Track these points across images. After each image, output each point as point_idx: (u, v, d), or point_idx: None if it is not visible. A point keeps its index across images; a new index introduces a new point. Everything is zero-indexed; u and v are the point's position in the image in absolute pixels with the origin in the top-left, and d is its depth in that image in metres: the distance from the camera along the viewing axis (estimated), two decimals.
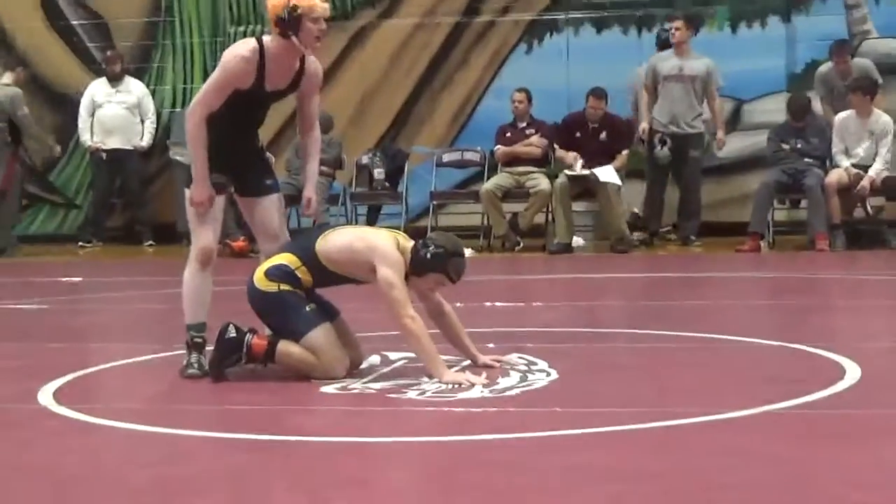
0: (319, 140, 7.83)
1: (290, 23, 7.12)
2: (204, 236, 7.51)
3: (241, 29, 17.66)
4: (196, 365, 7.54)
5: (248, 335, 7.46)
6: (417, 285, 7.33)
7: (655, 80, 15.52)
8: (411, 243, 7.30)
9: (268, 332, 7.55)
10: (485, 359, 7.55)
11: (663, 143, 15.38)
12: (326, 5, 7.27)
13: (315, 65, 7.53)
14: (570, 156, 15.34)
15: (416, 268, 7.22)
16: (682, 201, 15.66)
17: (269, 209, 7.66)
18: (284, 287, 7.35)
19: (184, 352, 7.76)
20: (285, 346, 7.35)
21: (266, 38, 7.32)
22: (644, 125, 15.47)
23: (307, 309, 7.36)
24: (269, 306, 7.46)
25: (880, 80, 15.40)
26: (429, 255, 7.17)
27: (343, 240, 7.34)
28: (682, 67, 15.46)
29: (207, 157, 7.28)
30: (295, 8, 7.08)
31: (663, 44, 15.97)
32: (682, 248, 15.31)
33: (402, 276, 7.20)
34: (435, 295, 7.46)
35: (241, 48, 7.29)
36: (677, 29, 15.56)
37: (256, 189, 7.64)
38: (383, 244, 7.25)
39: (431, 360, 7.16)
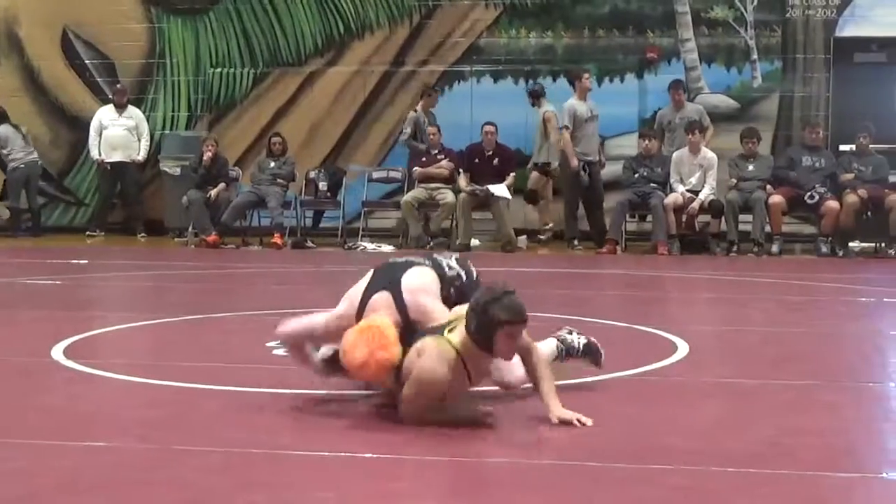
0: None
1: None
2: None
3: (219, 70, 17.58)
4: None
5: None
6: (501, 354, 5.16)
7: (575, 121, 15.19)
8: (462, 331, 5.11)
9: None
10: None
11: (585, 170, 15.29)
12: None
13: None
14: (462, 179, 15.39)
15: (484, 343, 5.07)
16: (598, 215, 15.43)
17: None
18: None
19: (170, 319, 7.75)
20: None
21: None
22: (575, 161, 15.16)
23: None
24: None
25: (708, 122, 15.53)
26: (475, 326, 5.03)
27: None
28: (591, 109, 15.41)
29: None
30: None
31: (534, 94, 16.08)
32: (559, 249, 15.33)
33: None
34: (523, 351, 5.25)
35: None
36: (587, 79, 15.53)
37: None
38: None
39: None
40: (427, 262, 5.62)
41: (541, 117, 15.84)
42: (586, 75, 15.56)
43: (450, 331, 5.17)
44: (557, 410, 5.13)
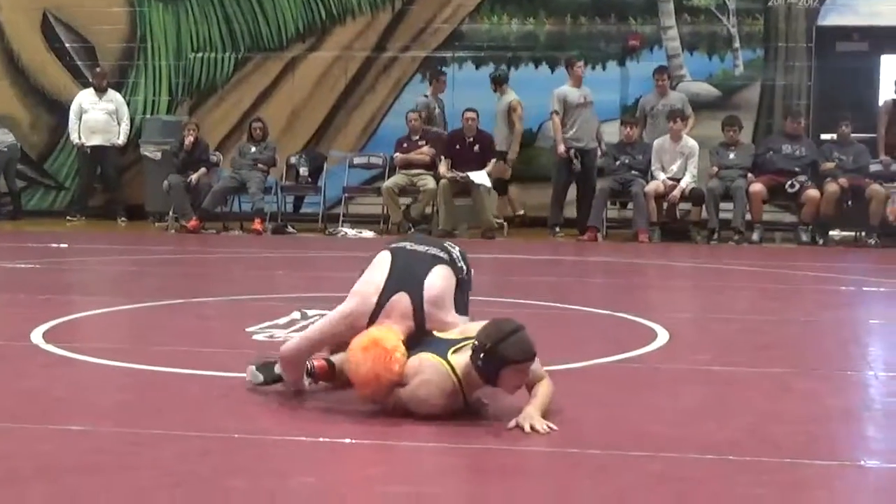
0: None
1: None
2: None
3: (200, 55, 17.53)
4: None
5: (309, 362, 5.46)
6: (506, 389, 5.05)
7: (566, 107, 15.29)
8: (466, 357, 5.01)
9: None
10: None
11: (577, 157, 15.26)
12: None
13: None
14: (443, 166, 15.40)
15: (489, 378, 4.98)
16: (588, 203, 15.17)
17: None
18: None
19: (150, 304, 7.73)
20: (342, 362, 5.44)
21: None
22: (562, 147, 15.21)
23: None
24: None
25: (690, 111, 15.53)
26: (481, 362, 4.92)
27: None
28: (584, 96, 15.41)
29: None
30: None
31: (497, 80, 16.08)
32: (540, 236, 15.33)
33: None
34: (531, 378, 5.07)
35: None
36: (580, 67, 15.52)
37: None
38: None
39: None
40: (445, 257, 5.44)
41: (505, 105, 15.84)
42: (579, 63, 15.56)
43: (454, 351, 5.08)
44: (527, 413, 4.91)
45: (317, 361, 5.48)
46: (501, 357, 4.88)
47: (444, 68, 16.88)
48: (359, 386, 5.12)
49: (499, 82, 16.06)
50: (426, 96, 16.33)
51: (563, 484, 4.29)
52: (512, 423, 4.89)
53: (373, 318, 5.21)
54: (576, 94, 15.35)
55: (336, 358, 5.53)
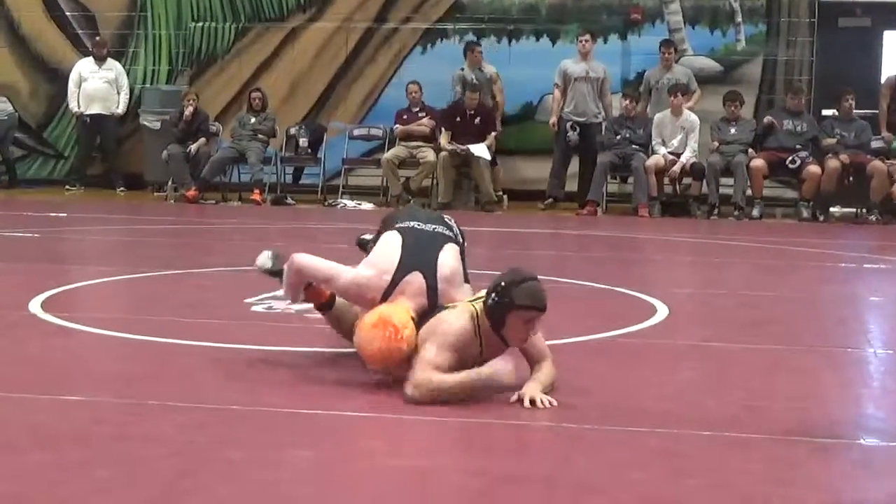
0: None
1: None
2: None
3: (200, 25, 17.48)
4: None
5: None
6: (511, 339, 5.01)
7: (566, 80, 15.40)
8: (481, 304, 5.04)
9: None
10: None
11: (573, 129, 15.33)
12: None
13: None
14: (443, 138, 15.38)
15: (495, 321, 4.95)
16: (589, 175, 15.19)
17: None
18: None
19: (148, 274, 7.72)
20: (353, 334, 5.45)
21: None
22: (553, 118, 15.39)
23: None
24: None
25: (695, 86, 15.50)
26: (492, 300, 4.92)
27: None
28: (588, 71, 15.44)
29: None
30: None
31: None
32: (539, 210, 15.32)
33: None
34: (535, 354, 5.11)
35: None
36: (587, 41, 15.52)
37: None
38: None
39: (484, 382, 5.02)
40: (450, 234, 5.49)
41: (488, 77, 15.80)
42: (583, 37, 15.54)
43: (471, 302, 5.13)
44: (529, 387, 4.92)
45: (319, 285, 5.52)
46: (511, 298, 4.85)
47: (444, 40, 16.85)
48: (368, 361, 5.14)
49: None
50: (462, 69, 16.15)
51: (560, 459, 4.29)
52: (514, 397, 4.89)
53: (386, 296, 5.23)
54: (578, 68, 15.35)
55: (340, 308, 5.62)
